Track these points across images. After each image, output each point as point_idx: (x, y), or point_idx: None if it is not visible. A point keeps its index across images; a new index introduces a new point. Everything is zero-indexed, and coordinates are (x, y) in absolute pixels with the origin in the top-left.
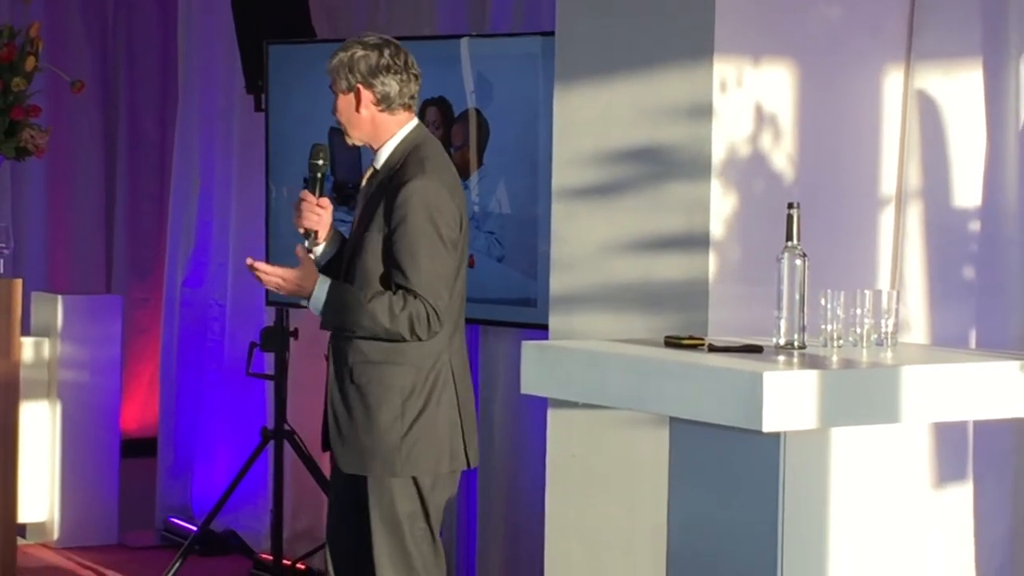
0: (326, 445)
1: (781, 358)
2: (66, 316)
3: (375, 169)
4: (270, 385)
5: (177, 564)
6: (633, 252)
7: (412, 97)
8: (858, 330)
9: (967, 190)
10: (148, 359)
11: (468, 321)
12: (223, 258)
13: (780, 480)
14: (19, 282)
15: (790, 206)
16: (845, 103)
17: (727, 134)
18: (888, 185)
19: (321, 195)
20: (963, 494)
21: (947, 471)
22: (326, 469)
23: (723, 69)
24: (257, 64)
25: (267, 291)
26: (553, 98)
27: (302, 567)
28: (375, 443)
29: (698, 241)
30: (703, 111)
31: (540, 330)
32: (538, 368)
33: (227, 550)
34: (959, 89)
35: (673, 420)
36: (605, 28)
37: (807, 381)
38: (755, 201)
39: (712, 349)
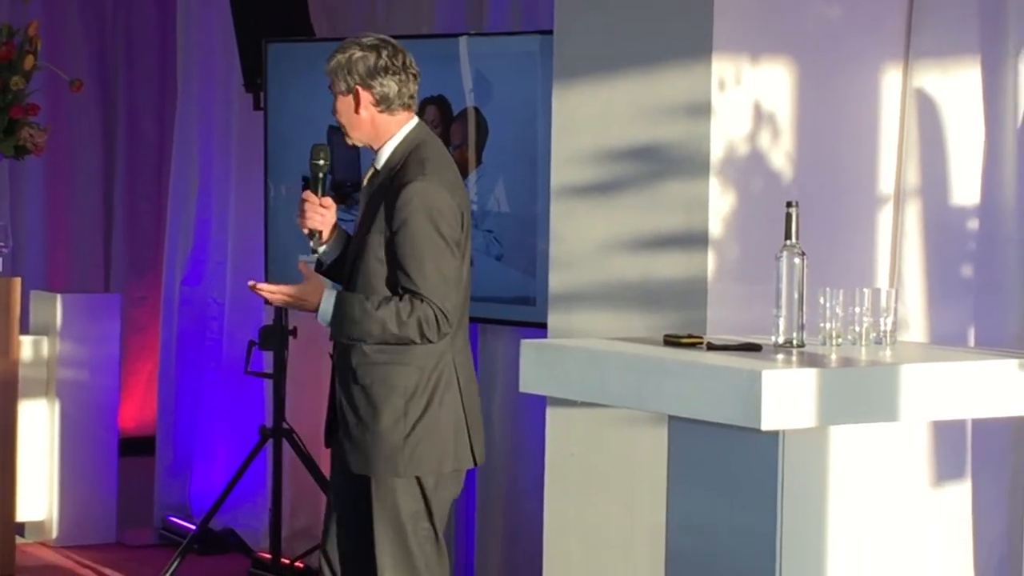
0: (328, 442)
1: (780, 356)
2: (65, 315)
3: (376, 169)
4: (269, 384)
5: (176, 563)
6: (632, 250)
7: (412, 97)
8: (857, 328)
9: (965, 188)
10: (147, 358)
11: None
12: (222, 257)
13: (779, 478)
14: (18, 280)
15: (789, 204)
16: (843, 101)
17: (726, 132)
18: (886, 183)
19: (323, 195)
20: (961, 492)
21: (945, 469)
22: (325, 468)
23: (721, 67)
24: (256, 63)
25: None
26: (552, 96)
27: (300, 566)
28: (378, 443)
29: (697, 239)
30: (701, 109)
31: (539, 329)
32: (537, 367)
33: (226, 549)
34: (957, 87)
35: (672, 418)
36: (603, 26)
37: (806, 379)
38: (754, 199)
39: (711, 347)
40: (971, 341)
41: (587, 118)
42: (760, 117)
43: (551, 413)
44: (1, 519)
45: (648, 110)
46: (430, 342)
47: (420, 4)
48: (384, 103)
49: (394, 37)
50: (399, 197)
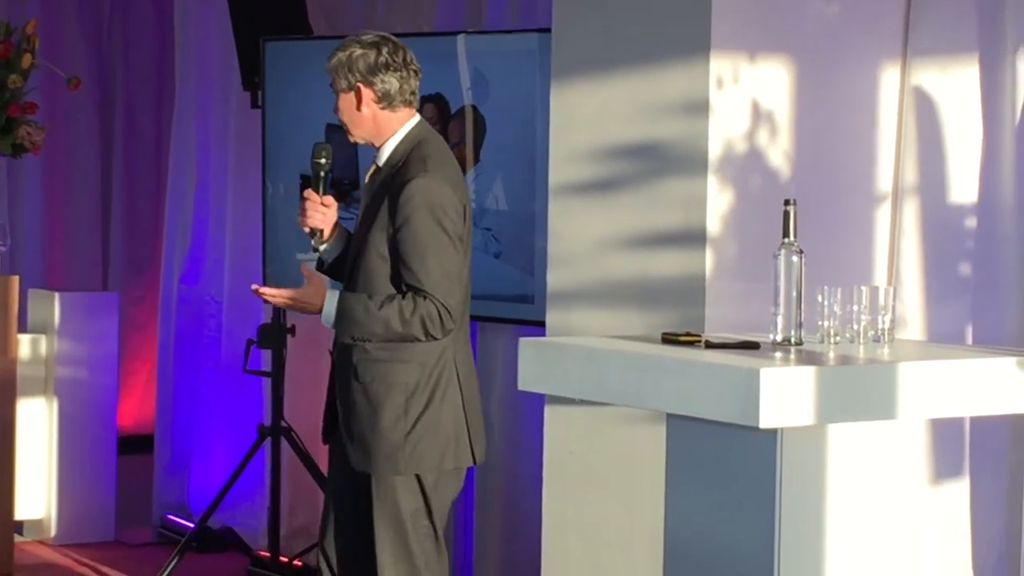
0: (326, 439)
1: (778, 354)
2: (63, 313)
3: (378, 167)
4: (267, 382)
5: (174, 561)
6: (630, 248)
7: (413, 93)
8: (855, 326)
9: (963, 186)
10: (145, 356)
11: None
12: (220, 255)
13: (777, 476)
14: (16, 279)
15: (786, 202)
16: (841, 99)
17: (724, 130)
18: (884, 181)
19: (325, 193)
20: (959, 490)
21: (943, 467)
22: (324, 466)
23: (720, 65)
24: (254, 61)
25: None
26: (550, 95)
27: (299, 564)
28: (378, 440)
29: (695, 237)
30: (699, 107)
31: (537, 327)
32: (535, 365)
33: (224, 547)
34: (955, 85)
35: (670, 416)
36: (602, 24)
37: (804, 377)
38: (752, 197)
39: (709, 345)
40: (969, 339)
41: (585, 116)
42: (758, 115)
43: (549, 411)
44: (0, 518)
45: (646, 108)
46: (435, 339)
47: (418, 2)
48: (386, 100)
49: (393, 35)
50: (402, 193)
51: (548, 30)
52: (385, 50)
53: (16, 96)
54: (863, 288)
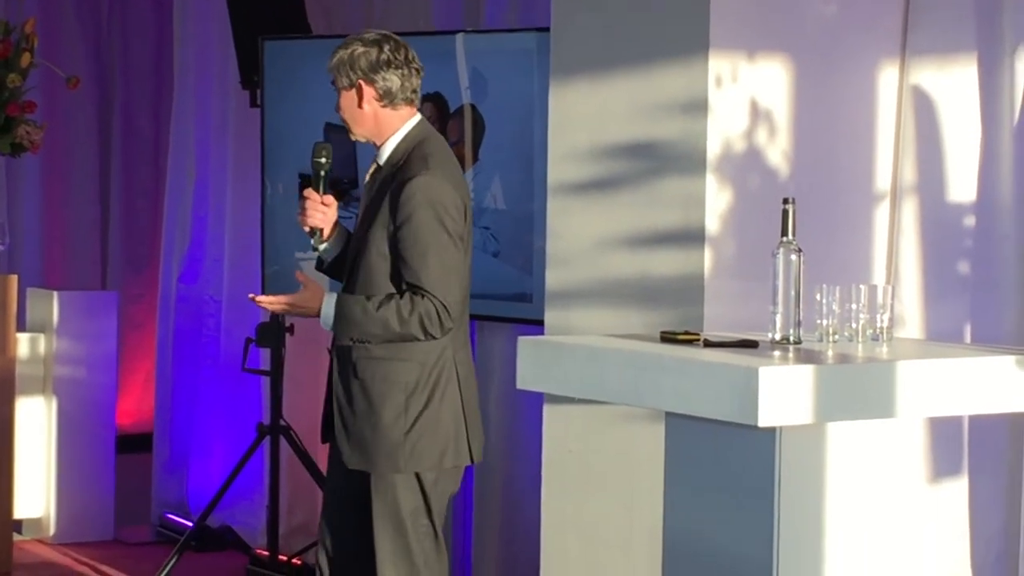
0: (325, 437)
1: (777, 353)
2: (62, 312)
3: (378, 165)
4: (266, 381)
5: (173, 560)
6: (629, 247)
7: (415, 91)
8: (853, 325)
9: (962, 186)
10: (144, 355)
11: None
12: (218, 254)
13: (776, 475)
14: (14, 278)
15: (785, 201)
16: (840, 99)
17: (722, 129)
18: (883, 180)
19: (325, 192)
20: (958, 489)
21: (942, 466)
22: (322, 464)
23: (718, 64)
24: (252, 60)
25: (263, 287)
26: (548, 94)
27: (298, 562)
28: (378, 439)
29: (694, 236)
30: (698, 106)
31: (536, 326)
32: (534, 364)
33: (223, 546)
34: (954, 85)
35: (669, 415)
36: (600, 24)
37: (803, 376)
38: (750, 196)
39: (708, 344)
40: (967, 338)
41: (584, 115)
42: (757, 114)
43: (548, 410)
44: None
45: (645, 107)
46: (434, 338)
47: (417, 1)
48: (387, 98)
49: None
50: (403, 191)
51: (547, 29)
52: (387, 48)
53: (15, 95)
54: (862, 287)
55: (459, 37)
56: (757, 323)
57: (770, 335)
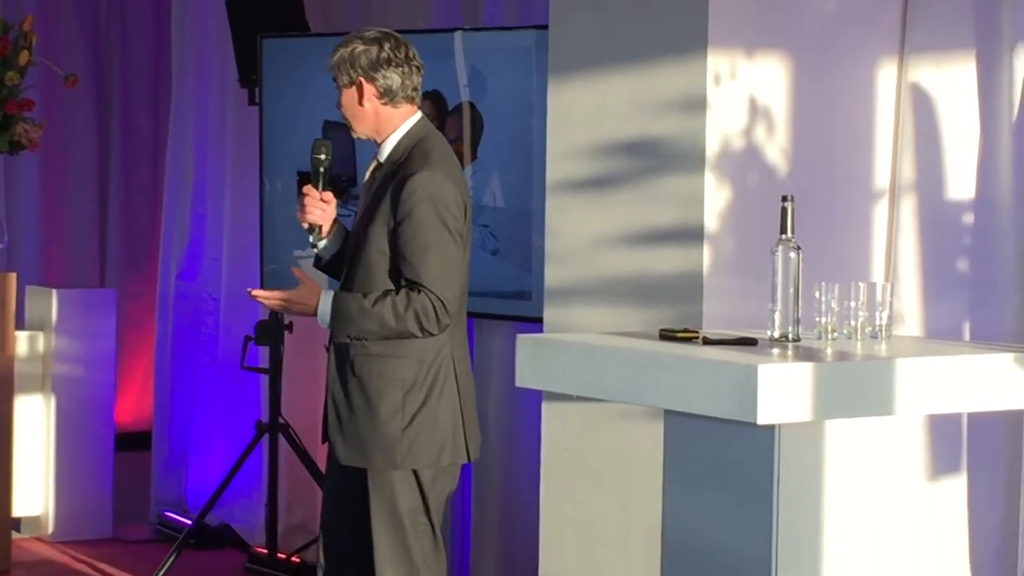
0: (326, 437)
1: (775, 351)
2: (60, 310)
3: (379, 162)
4: (264, 379)
5: (172, 558)
6: (627, 245)
7: (415, 89)
8: (852, 323)
9: (961, 183)
10: (142, 353)
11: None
12: (217, 252)
13: (774, 472)
14: (13, 276)
15: (784, 199)
16: (839, 96)
17: (721, 127)
18: (882, 178)
19: (324, 189)
20: (957, 486)
21: (941, 463)
22: (321, 463)
23: (717, 62)
24: (251, 58)
25: (262, 285)
26: (547, 91)
27: (297, 561)
28: (376, 436)
29: (692, 234)
30: (697, 104)
31: (535, 323)
32: (533, 361)
33: (222, 544)
34: (952, 82)
35: (668, 413)
36: (599, 21)
37: (801, 374)
38: (749, 194)
39: (707, 342)
40: (966, 335)
41: (582, 113)
42: (755, 112)
43: (547, 408)
44: None
45: (643, 105)
46: (430, 334)
47: None
48: (388, 95)
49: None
50: (405, 187)
51: (545, 27)
52: (387, 46)
53: (13, 93)
54: (861, 284)
55: (458, 35)
56: (756, 321)
57: (769, 333)
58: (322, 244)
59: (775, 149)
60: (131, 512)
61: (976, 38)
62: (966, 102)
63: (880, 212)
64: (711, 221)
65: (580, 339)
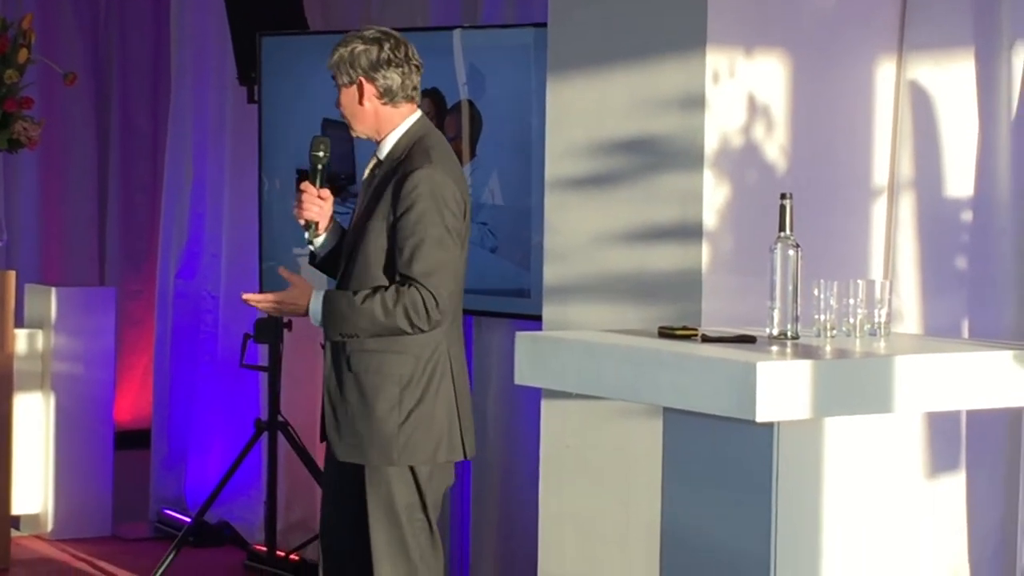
0: (324, 436)
1: (774, 348)
2: (59, 308)
3: (379, 160)
4: (264, 377)
5: (171, 556)
6: (626, 243)
7: (415, 89)
8: (851, 320)
9: (959, 181)
10: (142, 351)
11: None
12: (216, 250)
13: (773, 470)
14: (12, 274)
15: (783, 196)
16: (837, 94)
17: (720, 125)
18: (880, 176)
19: (322, 186)
20: (956, 483)
21: (940, 460)
22: (320, 461)
23: (716, 60)
24: (250, 56)
25: (261, 283)
26: (546, 89)
27: (296, 558)
28: (372, 432)
29: (691, 232)
30: (696, 102)
31: (534, 321)
32: (532, 359)
33: (221, 541)
34: (951, 80)
35: (667, 410)
36: (598, 19)
37: (800, 371)
38: (748, 192)
39: (706, 339)
40: (965, 333)
41: (581, 111)
42: (754, 109)
43: (546, 405)
44: None
45: (642, 103)
46: (420, 330)
47: None
48: (388, 95)
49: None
50: (406, 182)
51: (544, 25)
52: (387, 46)
53: (12, 91)
54: (859, 282)
55: (456, 33)
56: (755, 318)
57: (768, 330)
58: (318, 241)
59: (774, 147)
60: (130, 510)
61: (975, 36)
62: (965, 100)
63: (879, 209)
64: (710, 219)
65: (579, 337)
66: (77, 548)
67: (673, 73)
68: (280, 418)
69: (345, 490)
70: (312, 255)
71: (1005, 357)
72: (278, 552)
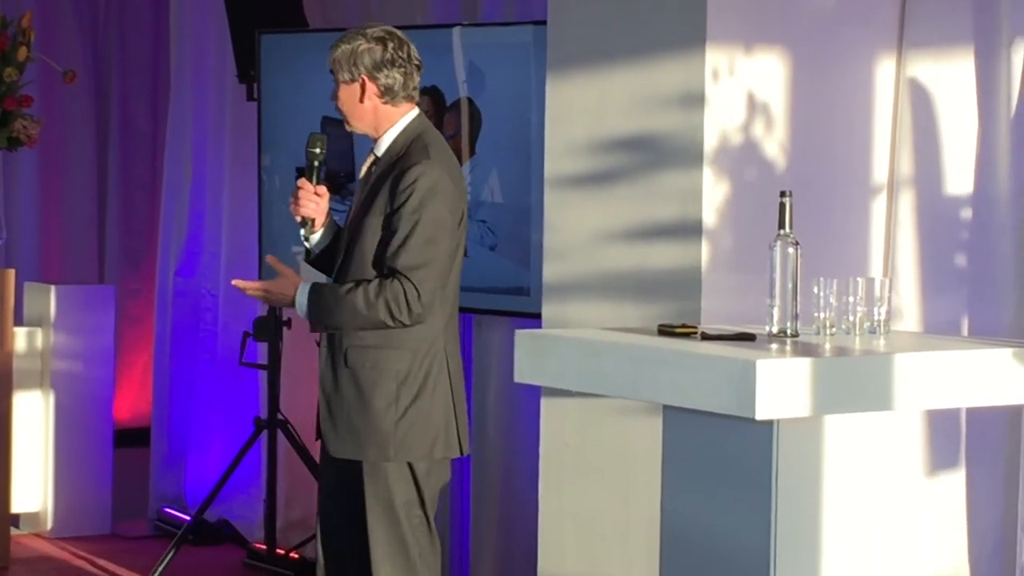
0: (320, 433)
1: (774, 346)
2: (59, 306)
3: (376, 157)
4: (263, 375)
5: (170, 554)
6: (626, 240)
7: (415, 88)
8: (851, 318)
9: (959, 178)
10: (141, 349)
11: (461, 310)
12: (216, 248)
13: (773, 468)
14: (12, 272)
15: (782, 194)
16: (837, 91)
17: (719, 122)
18: (880, 173)
19: (318, 183)
20: (955, 481)
21: (940, 458)
22: (319, 458)
23: (715, 57)
24: (249, 53)
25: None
26: (545, 87)
27: (295, 556)
28: (369, 427)
29: (691, 229)
30: (695, 99)
31: (533, 319)
32: (531, 357)
33: (220, 540)
34: (951, 77)
35: (667, 408)
36: (597, 17)
37: (800, 369)
38: (748, 189)
39: (705, 337)
40: (965, 330)
41: (581, 109)
42: (754, 107)
43: (545, 403)
44: None
45: (642, 101)
46: (402, 324)
47: None
48: (389, 95)
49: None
50: (404, 177)
51: (543, 23)
52: (391, 46)
53: (12, 89)
54: (859, 280)
55: (456, 31)
56: (754, 316)
57: (767, 328)
58: (314, 238)
59: (773, 144)
60: (130, 508)
61: (974, 33)
62: (964, 97)
63: (878, 207)
64: (709, 217)
65: (579, 335)
66: (77, 546)
67: (673, 71)
68: (279, 416)
69: (343, 487)
70: (308, 252)
71: (1005, 355)
72: (278, 550)
